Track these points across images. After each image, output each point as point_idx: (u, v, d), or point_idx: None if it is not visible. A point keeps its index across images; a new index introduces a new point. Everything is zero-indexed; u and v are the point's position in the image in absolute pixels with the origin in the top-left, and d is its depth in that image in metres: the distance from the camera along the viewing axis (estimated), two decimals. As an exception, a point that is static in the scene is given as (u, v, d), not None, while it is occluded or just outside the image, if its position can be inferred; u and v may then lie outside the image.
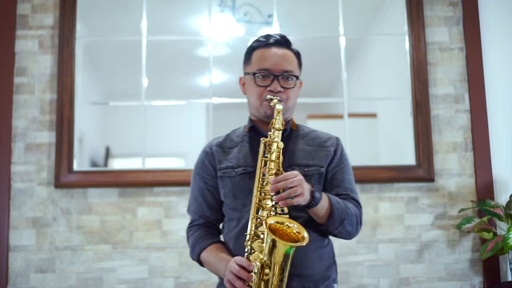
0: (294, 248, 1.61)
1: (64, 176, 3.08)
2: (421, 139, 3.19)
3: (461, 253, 3.13)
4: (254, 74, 1.88)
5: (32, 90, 3.18)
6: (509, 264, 2.97)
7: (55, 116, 3.13)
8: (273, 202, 1.69)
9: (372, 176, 3.13)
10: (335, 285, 1.89)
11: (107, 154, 3.42)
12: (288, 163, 1.83)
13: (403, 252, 3.13)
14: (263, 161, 1.75)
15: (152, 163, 3.23)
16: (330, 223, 1.79)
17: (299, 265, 1.77)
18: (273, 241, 1.59)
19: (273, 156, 1.74)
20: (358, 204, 1.90)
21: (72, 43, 3.19)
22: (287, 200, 1.65)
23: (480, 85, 3.26)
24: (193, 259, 1.96)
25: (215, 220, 1.95)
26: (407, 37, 3.31)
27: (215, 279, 3.07)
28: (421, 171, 3.16)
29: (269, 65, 1.86)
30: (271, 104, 1.81)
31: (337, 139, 1.98)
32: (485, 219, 2.99)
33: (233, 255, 1.77)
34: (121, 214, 3.09)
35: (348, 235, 1.87)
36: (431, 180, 3.16)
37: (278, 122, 1.78)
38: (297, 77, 1.90)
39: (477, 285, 3.10)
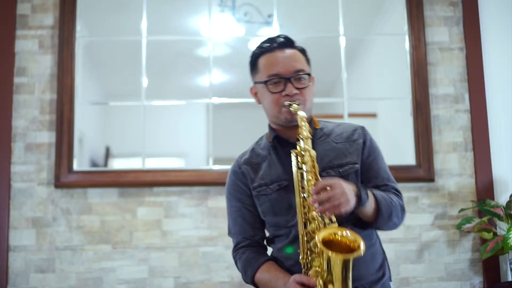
0: (352, 259, 1.54)
1: (64, 176, 3.08)
2: (421, 139, 3.19)
3: (461, 253, 3.13)
4: (265, 82, 1.82)
5: (32, 90, 3.18)
6: (509, 264, 2.97)
7: (55, 116, 3.13)
8: (319, 214, 1.62)
9: (372, 176, 3.13)
10: (390, 283, 1.85)
11: (107, 154, 3.42)
12: (322, 167, 1.76)
13: (403, 252, 3.12)
14: (299, 174, 1.69)
15: (152, 163, 3.23)
16: (379, 220, 1.74)
17: (353, 267, 1.71)
18: (329, 257, 1.54)
19: (308, 167, 1.67)
20: (398, 193, 1.86)
21: (72, 43, 3.19)
22: (332, 210, 1.58)
23: (480, 85, 3.25)
24: (247, 283, 1.88)
25: (260, 238, 1.90)
26: (407, 37, 3.31)
27: (215, 279, 3.09)
28: (421, 171, 3.16)
29: (278, 69, 1.81)
30: (291, 110, 1.76)
31: (363, 128, 1.92)
32: (485, 219, 2.99)
33: (287, 271, 1.73)
34: (121, 214, 3.09)
35: (395, 226, 1.82)
36: (431, 180, 3.16)
37: (305, 130, 1.71)
38: (309, 75, 1.84)
39: (477, 285, 3.10)
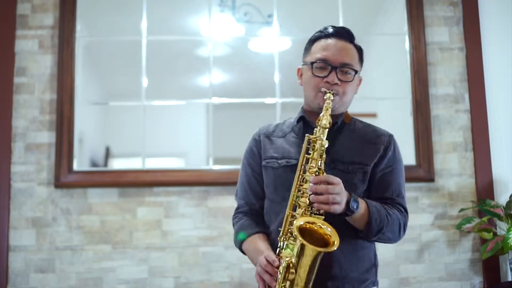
0: (322, 253, 1.58)
1: (64, 176, 3.08)
2: (421, 139, 3.19)
3: (461, 253, 3.13)
4: (312, 63, 1.83)
5: (32, 90, 3.18)
6: (509, 264, 2.97)
7: (55, 116, 3.13)
8: (309, 202, 1.66)
9: (372, 176, 3.13)
10: None
11: (107, 154, 3.41)
12: (331, 158, 1.79)
13: (403, 252, 3.12)
14: (305, 158, 1.72)
15: (152, 163, 3.23)
16: (367, 231, 1.74)
17: (334, 266, 1.75)
18: (302, 245, 1.57)
19: (315, 155, 1.70)
20: (403, 210, 1.84)
21: (72, 43, 3.19)
22: (323, 205, 1.62)
23: (480, 85, 3.26)
24: (236, 246, 1.95)
25: (260, 208, 1.94)
26: (407, 37, 3.31)
27: (215, 279, 3.09)
28: (421, 171, 3.16)
29: (328, 55, 1.81)
30: (325, 97, 1.76)
31: (390, 136, 1.91)
32: (485, 219, 2.99)
33: (272, 246, 1.77)
34: (121, 214, 3.09)
35: (389, 241, 1.82)
36: (431, 180, 3.16)
37: (325, 119, 1.73)
38: (356, 72, 1.84)
39: (477, 285, 3.10)
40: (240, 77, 3.51)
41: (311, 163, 1.70)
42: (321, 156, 1.70)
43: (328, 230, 1.62)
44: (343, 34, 1.85)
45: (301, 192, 1.69)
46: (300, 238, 1.56)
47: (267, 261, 1.64)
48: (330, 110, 1.74)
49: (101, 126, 3.51)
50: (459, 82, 3.29)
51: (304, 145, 1.74)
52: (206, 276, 3.06)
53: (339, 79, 1.80)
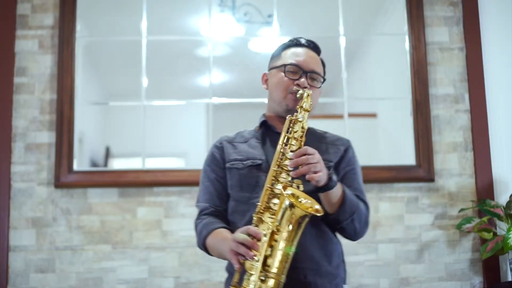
0: (307, 219, 1.59)
1: (64, 176, 3.08)
2: (421, 139, 3.19)
3: (461, 253, 3.13)
4: (285, 65, 1.91)
5: (32, 90, 3.18)
6: (509, 264, 2.97)
7: (55, 116, 3.13)
8: (290, 178, 1.69)
9: (372, 176, 3.13)
10: (345, 286, 1.88)
11: (107, 154, 3.41)
12: None
13: (403, 252, 3.13)
14: (286, 137, 1.76)
15: (152, 163, 3.23)
16: (340, 212, 1.78)
17: (308, 259, 1.77)
18: (290, 205, 1.58)
19: (296, 135, 1.76)
20: (367, 206, 1.91)
21: (72, 43, 3.19)
22: (308, 174, 1.64)
23: (480, 85, 3.26)
24: (199, 246, 1.92)
25: (224, 210, 1.94)
26: (407, 37, 3.31)
27: (215, 279, 3.08)
28: (421, 171, 3.16)
29: (301, 61, 1.91)
30: (300, 92, 1.82)
31: (348, 141, 2.01)
32: (485, 219, 2.99)
33: None
34: (121, 214, 3.09)
35: (354, 233, 1.87)
36: (431, 180, 3.16)
37: (306, 104, 1.80)
38: (322, 80, 1.95)
39: (477, 285, 3.10)
40: (240, 77, 3.52)
41: (291, 141, 1.75)
42: (301, 137, 1.76)
43: (308, 202, 1.63)
44: (313, 46, 1.98)
45: (281, 168, 1.72)
46: (287, 197, 1.57)
47: (249, 234, 1.60)
48: (310, 97, 1.80)
49: (101, 126, 3.51)
50: (459, 82, 3.29)
51: (285, 125, 1.78)
52: (206, 276, 3.06)
53: (308, 84, 1.89)
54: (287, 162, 1.71)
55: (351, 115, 3.30)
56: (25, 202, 3.08)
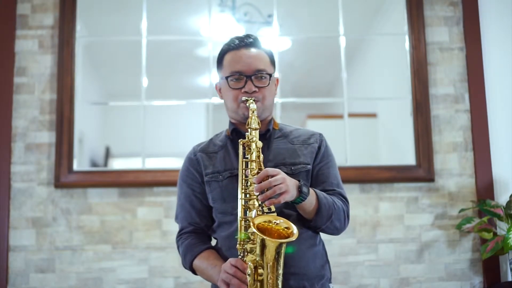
0: (285, 245, 1.61)
1: (64, 176, 3.08)
2: (421, 139, 3.19)
3: (461, 253, 3.13)
4: (227, 78, 1.88)
5: (32, 90, 3.18)
6: (509, 264, 2.97)
7: (55, 116, 3.13)
8: (259, 202, 1.68)
9: (372, 176, 3.13)
10: (330, 285, 1.89)
11: (107, 154, 3.42)
12: (274, 163, 1.84)
13: (403, 252, 3.13)
14: (243, 162, 1.75)
15: (152, 163, 3.23)
16: (318, 218, 1.79)
17: (293, 263, 1.77)
18: (262, 241, 1.60)
19: (253, 156, 1.74)
20: (345, 199, 1.90)
21: (72, 43, 3.19)
22: (273, 199, 1.64)
23: (480, 85, 3.26)
24: (185, 268, 1.95)
25: (204, 226, 1.94)
26: (407, 37, 3.31)
27: (215, 279, 3.07)
28: (421, 171, 3.16)
29: (240, 67, 1.86)
30: (247, 104, 1.81)
31: (321, 135, 1.98)
32: (485, 219, 2.99)
33: (226, 260, 1.76)
34: (121, 214, 3.09)
35: (336, 230, 1.87)
36: (431, 180, 3.16)
37: (254, 122, 1.78)
38: (270, 75, 1.89)
39: (477, 285, 3.10)
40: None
41: (251, 165, 1.74)
42: (258, 157, 1.75)
43: (283, 223, 1.64)
44: (250, 42, 1.90)
45: (249, 195, 1.72)
46: (259, 234, 1.58)
47: (235, 266, 1.65)
48: (256, 112, 1.79)
49: (101, 126, 3.52)
50: (459, 82, 3.29)
51: (240, 150, 1.78)
52: (206, 276, 3.05)
53: (256, 86, 1.85)
54: (252, 187, 1.70)
55: (351, 115, 3.30)
56: (25, 202, 3.08)
